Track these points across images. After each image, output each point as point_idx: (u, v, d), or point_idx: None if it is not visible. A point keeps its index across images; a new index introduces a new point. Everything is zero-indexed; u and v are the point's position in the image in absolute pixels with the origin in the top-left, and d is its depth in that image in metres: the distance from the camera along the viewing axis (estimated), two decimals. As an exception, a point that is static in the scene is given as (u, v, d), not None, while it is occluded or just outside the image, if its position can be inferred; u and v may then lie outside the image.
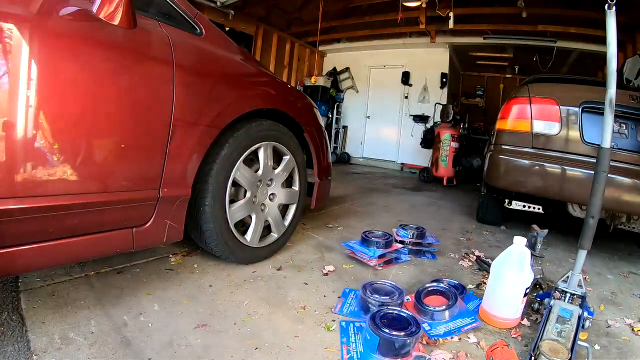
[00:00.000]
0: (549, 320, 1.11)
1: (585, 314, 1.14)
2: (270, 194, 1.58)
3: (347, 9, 6.23)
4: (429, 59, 6.36)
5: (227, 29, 5.44)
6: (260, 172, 1.50)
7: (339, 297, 1.30)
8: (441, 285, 1.30)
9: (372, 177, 5.21)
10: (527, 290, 1.18)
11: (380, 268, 1.62)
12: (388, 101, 6.96)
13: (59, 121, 0.87)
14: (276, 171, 1.59)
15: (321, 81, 6.89)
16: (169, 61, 1.09)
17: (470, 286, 1.51)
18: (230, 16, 5.42)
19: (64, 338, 0.92)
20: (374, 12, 5.90)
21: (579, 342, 1.02)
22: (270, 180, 1.57)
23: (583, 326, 1.12)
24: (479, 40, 5.71)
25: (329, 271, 1.53)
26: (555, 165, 1.91)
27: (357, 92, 7.47)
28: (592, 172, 1.22)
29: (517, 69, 5.91)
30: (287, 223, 1.68)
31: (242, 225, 1.50)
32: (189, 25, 1.26)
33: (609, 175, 1.18)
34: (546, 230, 1.59)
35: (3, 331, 0.93)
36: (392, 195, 3.75)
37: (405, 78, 6.70)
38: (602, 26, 1.12)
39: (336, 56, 7.55)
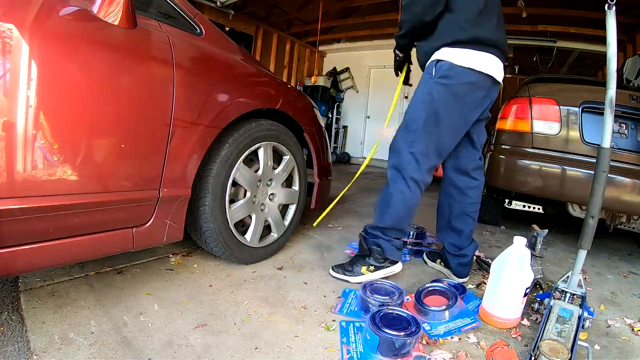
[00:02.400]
0: (549, 320, 1.11)
1: (585, 314, 1.14)
2: (270, 194, 1.58)
3: (347, 9, 6.23)
4: (429, 59, 6.36)
5: (227, 29, 5.44)
6: (260, 172, 1.50)
7: (339, 297, 1.30)
8: (441, 285, 1.30)
9: (372, 177, 5.21)
10: (527, 290, 1.18)
11: (380, 268, 1.62)
12: (388, 101, 6.94)
13: (59, 121, 0.87)
14: (276, 171, 1.59)
15: (321, 81, 6.89)
16: (169, 61, 1.09)
17: (470, 286, 1.51)
18: (230, 16, 5.42)
19: (64, 338, 0.92)
20: (374, 12, 5.90)
21: (579, 342, 1.02)
22: (270, 180, 1.57)
23: (583, 326, 1.12)
24: (479, 40, 5.70)
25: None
26: (555, 165, 1.91)
27: (357, 92, 7.47)
28: (592, 172, 1.22)
29: (517, 69, 5.91)
30: (287, 223, 1.68)
31: (242, 225, 1.50)
32: (189, 25, 1.26)
33: (609, 175, 1.18)
34: (546, 230, 1.59)
35: (3, 331, 0.93)
36: (392, 195, 3.74)
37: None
38: (602, 26, 1.12)
39: (336, 56, 7.55)
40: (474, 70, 1.27)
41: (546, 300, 1.24)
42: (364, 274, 1.41)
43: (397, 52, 1.58)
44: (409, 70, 1.65)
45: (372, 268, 1.42)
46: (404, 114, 1.40)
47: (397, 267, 1.45)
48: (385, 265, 1.42)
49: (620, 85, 1.88)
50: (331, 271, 1.47)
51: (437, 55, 1.31)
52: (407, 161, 1.32)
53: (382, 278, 1.39)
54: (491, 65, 1.29)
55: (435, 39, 1.32)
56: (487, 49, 1.27)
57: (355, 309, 1.22)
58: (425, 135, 1.31)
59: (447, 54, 1.28)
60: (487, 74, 1.29)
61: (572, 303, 1.20)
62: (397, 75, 1.66)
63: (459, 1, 1.25)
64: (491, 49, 1.28)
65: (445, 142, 1.35)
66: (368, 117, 7.38)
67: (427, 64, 1.36)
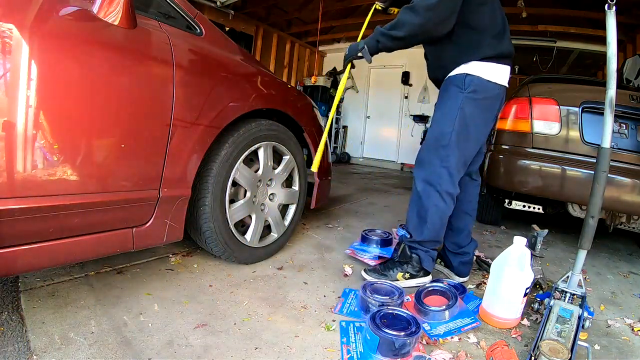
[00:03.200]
0: (549, 320, 1.11)
1: (585, 314, 1.14)
2: (270, 194, 1.58)
3: (347, 9, 6.23)
4: (429, 59, 6.35)
5: (227, 29, 5.44)
6: (260, 172, 1.50)
7: (338, 297, 1.30)
8: (441, 285, 1.30)
9: (372, 177, 5.22)
10: (527, 290, 1.18)
11: (380, 268, 1.62)
12: (388, 101, 6.97)
13: (59, 121, 0.87)
14: (276, 171, 1.59)
15: (321, 81, 6.89)
16: (169, 61, 1.09)
17: (470, 286, 1.51)
18: (230, 16, 5.42)
19: (64, 338, 0.92)
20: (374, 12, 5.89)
21: (579, 342, 1.02)
22: (270, 180, 1.57)
23: (583, 326, 1.12)
24: (479, 40, 5.70)
25: (347, 273, 1.53)
26: (555, 165, 1.91)
27: (357, 92, 7.47)
28: (592, 172, 1.22)
29: (517, 69, 5.91)
30: (287, 223, 1.68)
31: (242, 225, 1.50)
32: (189, 25, 1.26)
33: (609, 175, 1.18)
34: (546, 230, 1.59)
35: (3, 331, 0.93)
36: (392, 195, 3.75)
37: (405, 78, 6.70)
38: (602, 26, 1.12)
39: (336, 56, 7.54)
40: (497, 83, 1.32)
41: (546, 300, 1.24)
42: (398, 280, 1.42)
43: (366, 49, 1.35)
44: (352, 67, 1.49)
45: (407, 275, 1.43)
46: (430, 127, 1.40)
47: (428, 279, 1.46)
48: (419, 275, 1.45)
49: (620, 85, 1.88)
50: (364, 273, 1.47)
51: (464, 69, 1.31)
52: (441, 176, 1.33)
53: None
54: (507, 75, 1.35)
55: (458, 55, 1.32)
56: (505, 61, 1.33)
57: (355, 309, 1.22)
58: (457, 149, 1.32)
59: (476, 69, 1.30)
60: (504, 85, 1.35)
61: (572, 303, 1.20)
62: (344, 67, 1.49)
63: (482, 19, 1.27)
64: (508, 61, 1.34)
65: (470, 153, 1.39)
66: (368, 117, 7.37)
67: (451, 77, 1.35)
